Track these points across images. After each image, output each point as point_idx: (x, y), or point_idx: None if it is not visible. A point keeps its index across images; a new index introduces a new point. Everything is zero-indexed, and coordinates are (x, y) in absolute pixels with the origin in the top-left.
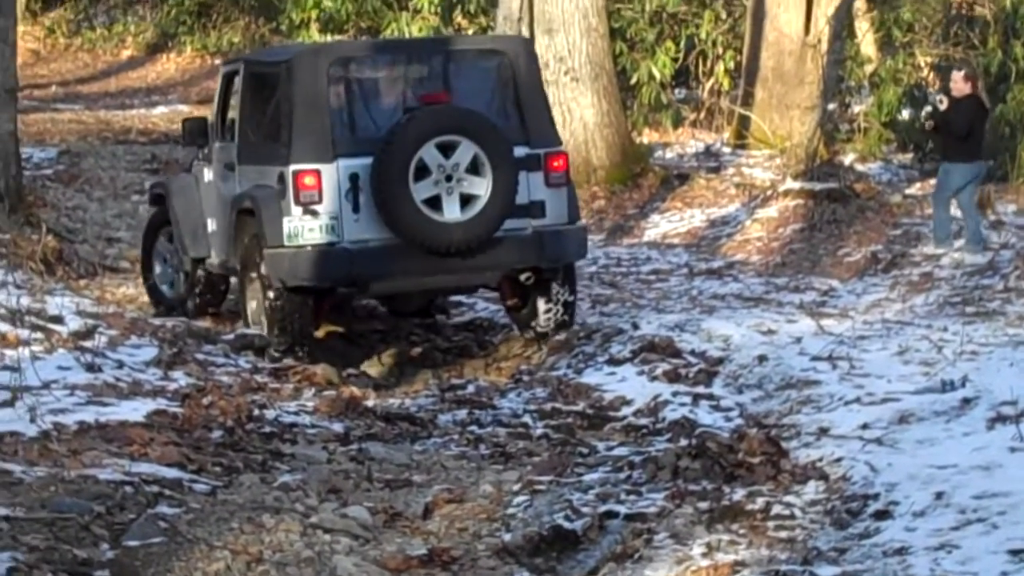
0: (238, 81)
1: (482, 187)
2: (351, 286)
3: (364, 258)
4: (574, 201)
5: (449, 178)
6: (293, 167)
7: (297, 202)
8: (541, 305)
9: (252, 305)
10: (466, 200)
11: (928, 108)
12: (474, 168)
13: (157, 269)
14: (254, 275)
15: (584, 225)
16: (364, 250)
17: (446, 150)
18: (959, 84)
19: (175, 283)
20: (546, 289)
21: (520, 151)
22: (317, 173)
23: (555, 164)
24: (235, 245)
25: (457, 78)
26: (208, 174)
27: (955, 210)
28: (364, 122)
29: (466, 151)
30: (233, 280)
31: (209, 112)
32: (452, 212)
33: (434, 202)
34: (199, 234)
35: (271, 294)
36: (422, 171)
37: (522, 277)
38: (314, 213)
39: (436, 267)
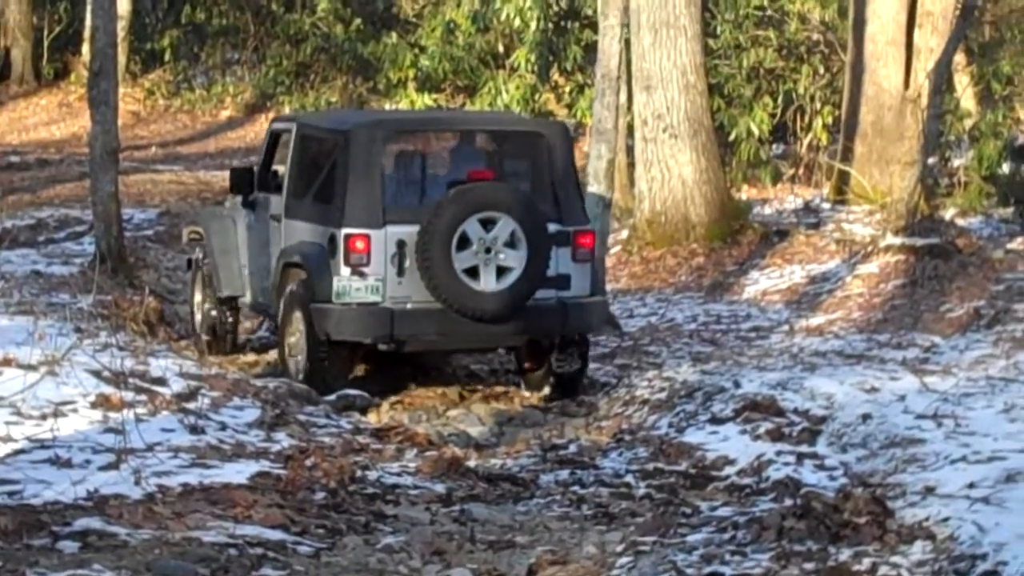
0: (289, 139)
1: (517, 260)
2: (390, 343)
3: (405, 319)
4: (597, 275)
5: (488, 250)
6: (345, 230)
7: (347, 263)
8: (553, 369)
9: (289, 347)
10: (501, 271)
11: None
12: (511, 242)
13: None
14: (297, 323)
15: (606, 300)
16: (405, 311)
17: (487, 224)
18: None
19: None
20: (562, 354)
21: (552, 227)
22: (367, 238)
23: (582, 241)
24: (277, 292)
25: (501, 156)
26: (248, 219)
27: None
28: (413, 193)
29: (505, 226)
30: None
31: (255, 163)
32: (489, 282)
33: (473, 272)
34: (234, 274)
35: (315, 344)
36: (464, 242)
37: (545, 344)
38: (362, 274)
39: (469, 330)
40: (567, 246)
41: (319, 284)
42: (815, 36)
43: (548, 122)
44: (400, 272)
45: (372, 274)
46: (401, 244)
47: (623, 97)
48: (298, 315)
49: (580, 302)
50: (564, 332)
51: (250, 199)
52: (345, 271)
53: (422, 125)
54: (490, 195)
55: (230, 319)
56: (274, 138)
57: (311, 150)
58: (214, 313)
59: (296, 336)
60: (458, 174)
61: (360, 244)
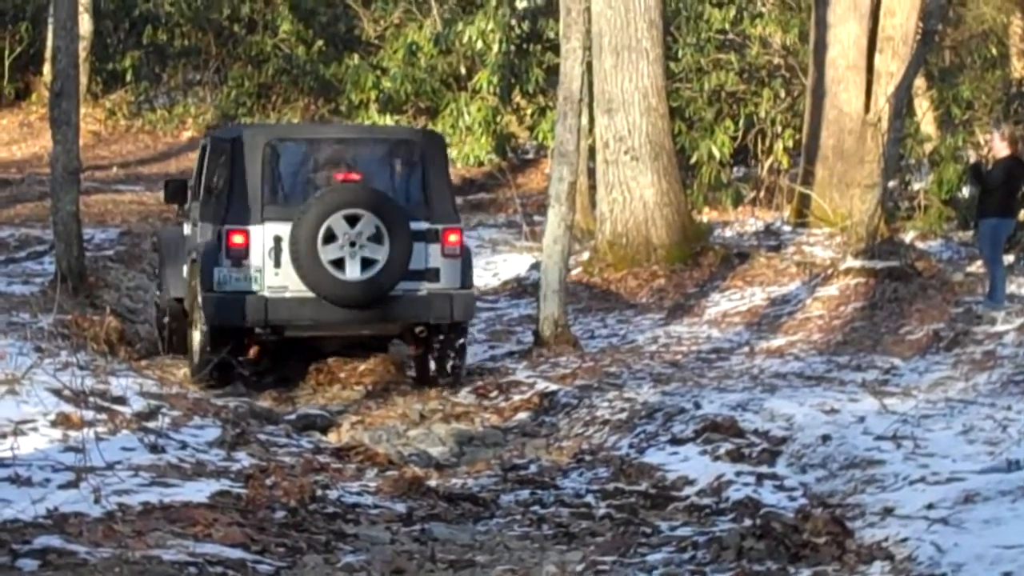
0: (205, 150)
1: (380, 253)
2: (266, 328)
3: (279, 306)
4: (467, 270)
5: (353, 244)
6: (227, 227)
7: (228, 256)
8: (433, 355)
9: (194, 337)
10: (366, 263)
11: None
12: (375, 237)
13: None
14: (196, 312)
15: (473, 292)
16: (280, 299)
17: (352, 221)
18: (997, 144)
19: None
20: (438, 341)
21: (422, 225)
22: (246, 233)
23: (450, 238)
24: (188, 288)
25: (372, 162)
26: (187, 228)
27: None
28: (290, 193)
29: (368, 223)
30: None
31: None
32: (353, 272)
33: (339, 263)
34: (178, 277)
35: (205, 331)
36: (330, 237)
37: (416, 330)
38: (241, 266)
39: (341, 317)
40: (436, 242)
41: (205, 275)
42: (776, 60)
43: (420, 131)
44: (277, 264)
45: (251, 265)
46: (278, 239)
47: (585, 119)
48: (198, 305)
49: (448, 293)
50: (432, 320)
51: (185, 208)
52: (227, 262)
53: (302, 134)
54: (353, 195)
55: (176, 321)
56: (203, 151)
57: (214, 158)
58: (163, 314)
59: (196, 324)
60: (331, 178)
61: (239, 239)
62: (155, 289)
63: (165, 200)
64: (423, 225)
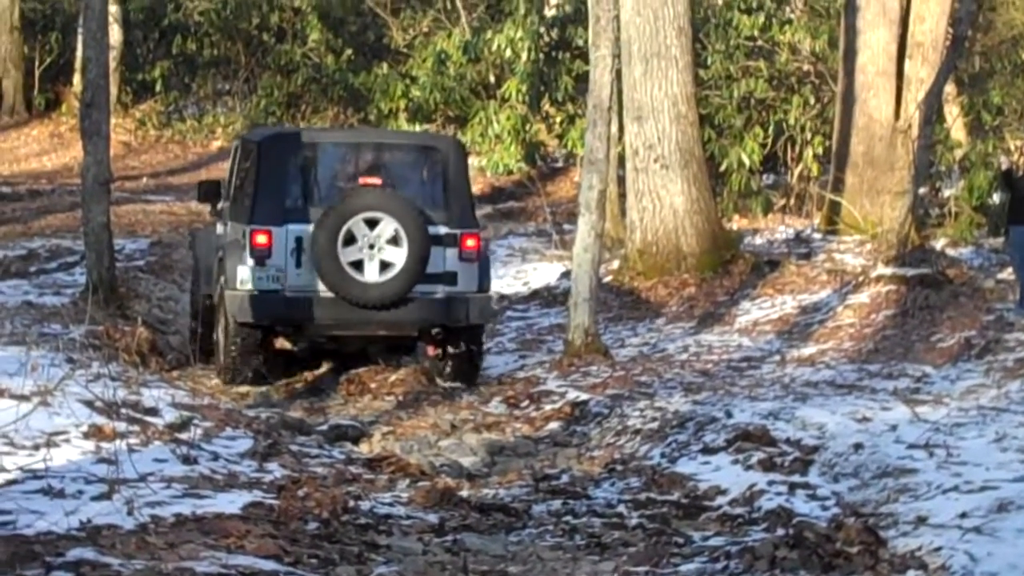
0: (236, 152)
1: (399, 256)
2: (287, 326)
3: (300, 305)
4: (485, 273)
5: (372, 246)
6: (251, 227)
7: (252, 255)
8: (450, 357)
9: (219, 334)
10: (385, 265)
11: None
12: (394, 240)
13: None
14: (222, 310)
15: (491, 296)
16: (300, 299)
17: (372, 224)
18: None
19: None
20: (455, 344)
21: (441, 230)
22: (269, 233)
23: (468, 243)
24: (216, 286)
25: (394, 167)
26: (219, 227)
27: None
28: (313, 195)
29: (388, 226)
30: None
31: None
32: (372, 274)
33: (358, 265)
34: (209, 275)
35: (228, 328)
36: (350, 239)
37: (433, 332)
38: (264, 265)
39: (360, 317)
40: (454, 246)
41: (231, 274)
42: (806, 67)
43: (442, 138)
44: (298, 264)
45: (273, 265)
46: (299, 240)
47: (614, 127)
48: (223, 302)
49: (465, 296)
50: (448, 322)
51: (217, 208)
52: (250, 262)
53: (326, 139)
54: (374, 199)
55: (208, 317)
56: (234, 152)
57: (243, 160)
58: (196, 310)
59: (222, 321)
60: (353, 182)
61: (262, 239)
62: (190, 286)
63: (198, 199)
64: (442, 229)
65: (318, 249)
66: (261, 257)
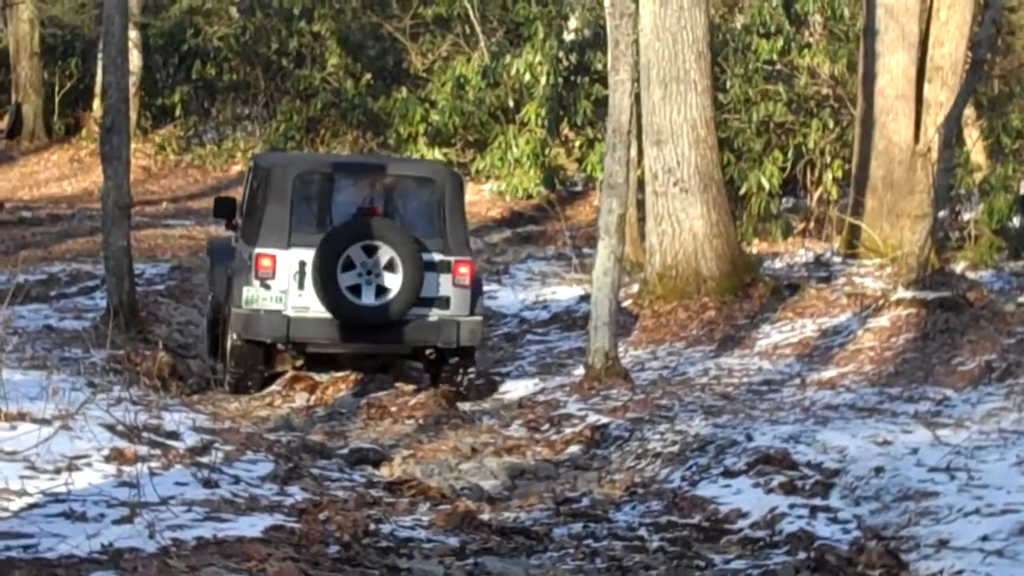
0: (250, 173)
1: (394, 282)
2: (288, 344)
3: (300, 324)
4: (476, 298)
5: (369, 272)
6: (257, 250)
7: (257, 276)
8: (443, 376)
9: (227, 346)
10: (381, 290)
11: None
12: (390, 267)
13: None
14: (229, 325)
15: (481, 319)
16: (301, 318)
17: (370, 251)
18: None
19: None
20: (447, 363)
21: (436, 257)
22: (274, 257)
23: (460, 270)
24: (225, 299)
25: (394, 195)
26: (234, 240)
27: None
28: (316, 222)
29: (385, 254)
30: None
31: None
32: (368, 298)
33: (355, 289)
34: (223, 282)
35: (234, 343)
36: (349, 265)
37: (427, 352)
38: (268, 286)
39: (357, 338)
40: (448, 273)
41: (237, 292)
42: (825, 90)
43: (441, 168)
44: (301, 286)
45: (277, 286)
46: (302, 263)
47: (633, 151)
48: (229, 318)
49: (456, 320)
50: (439, 343)
51: (232, 223)
52: (255, 282)
53: (332, 167)
54: (373, 228)
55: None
56: (248, 172)
57: (254, 183)
58: (213, 316)
59: (228, 336)
60: (354, 209)
61: (267, 262)
62: (208, 290)
63: (214, 214)
64: (436, 257)
65: (319, 273)
66: (265, 278)
